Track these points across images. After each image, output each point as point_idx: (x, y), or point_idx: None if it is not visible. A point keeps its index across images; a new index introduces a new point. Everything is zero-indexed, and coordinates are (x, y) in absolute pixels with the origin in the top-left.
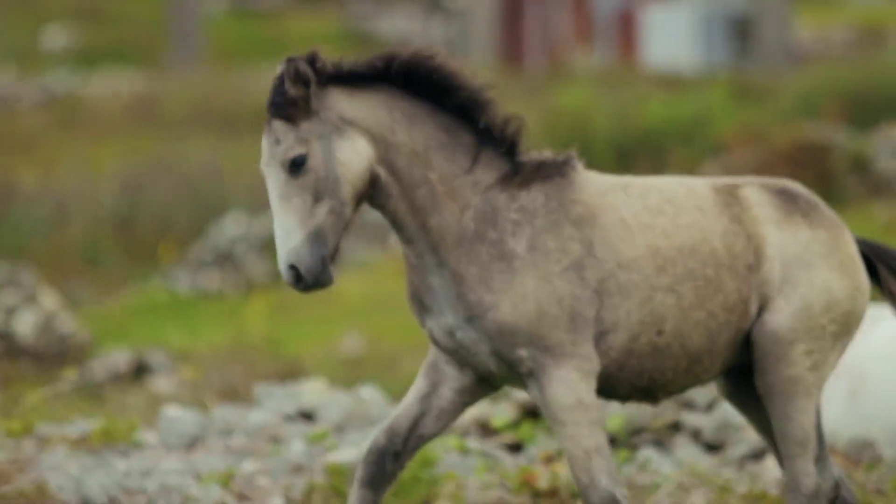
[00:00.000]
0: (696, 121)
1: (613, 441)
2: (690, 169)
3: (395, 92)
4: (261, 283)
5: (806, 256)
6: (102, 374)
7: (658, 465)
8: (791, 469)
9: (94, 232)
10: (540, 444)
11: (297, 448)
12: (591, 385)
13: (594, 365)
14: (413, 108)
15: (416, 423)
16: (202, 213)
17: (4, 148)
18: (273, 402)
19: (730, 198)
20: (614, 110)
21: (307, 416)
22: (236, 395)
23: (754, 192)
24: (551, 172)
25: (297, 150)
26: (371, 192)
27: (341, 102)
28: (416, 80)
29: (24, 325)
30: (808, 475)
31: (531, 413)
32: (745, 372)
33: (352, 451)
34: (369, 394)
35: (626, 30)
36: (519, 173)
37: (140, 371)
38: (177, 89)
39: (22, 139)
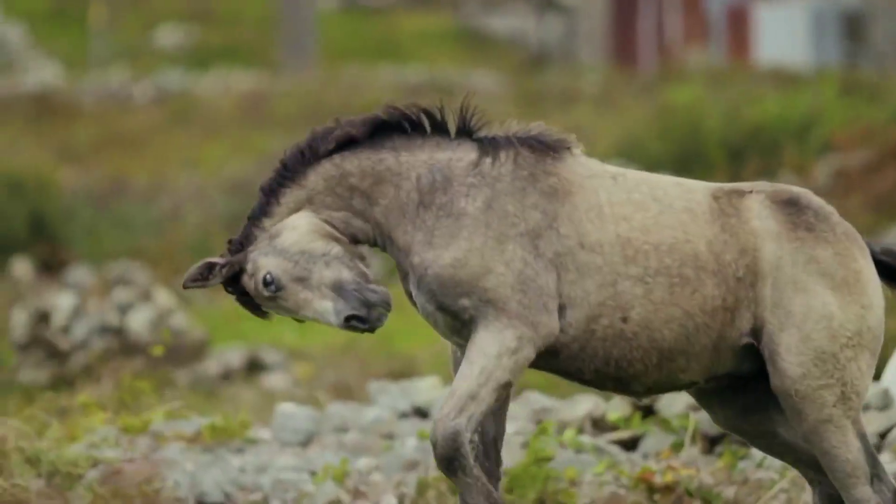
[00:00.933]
0: (807, 119)
1: (720, 439)
2: (802, 167)
3: (331, 164)
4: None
5: (803, 279)
6: (216, 372)
7: (772, 462)
8: (851, 499)
9: (205, 230)
10: (654, 440)
11: (410, 444)
12: (526, 352)
13: (538, 335)
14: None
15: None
16: None
17: (117, 146)
18: (387, 399)
19: (728, 206)
20: (726, 109)
21: (421, 412)
22: (350, 392)
23: (757, 203)
24: (538, 146)
25: (258, 276)
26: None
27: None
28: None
29: (139, 322)
30: (868, 499)
31: (645, 409)
32: (740, 403)
33: None
34: None
35: (738, 28)
36: (492, 146)
37: (253, 368)
38: (288, 88)
39: (134, 137)
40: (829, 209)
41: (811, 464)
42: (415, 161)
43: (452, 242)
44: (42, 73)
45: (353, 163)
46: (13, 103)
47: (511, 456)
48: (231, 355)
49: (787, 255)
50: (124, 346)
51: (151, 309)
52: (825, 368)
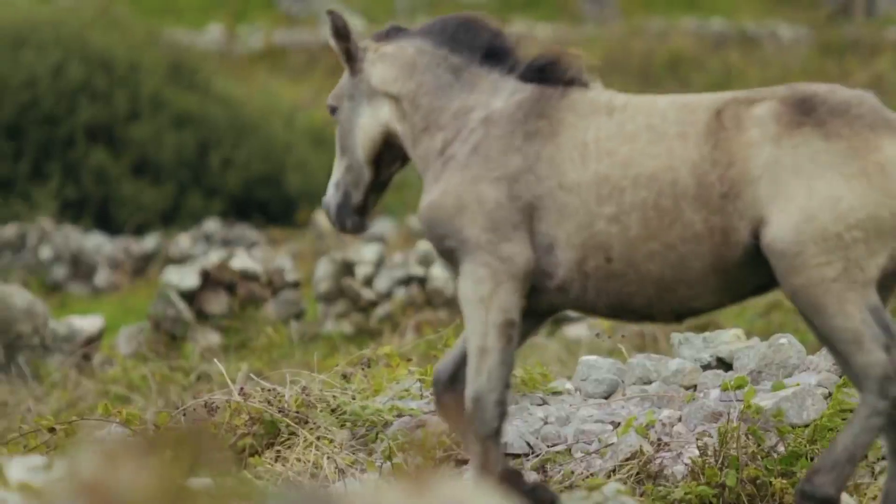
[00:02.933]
0: None
1: None
2: None
3: (422, 45)
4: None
5: (808, 167)
6: None
7: None
8: (853, 369)
9: None
10: None
11: (713, 395)
12: (506, 287)
13: (514, 268)
14: (430, 57)
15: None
16: None
17: None
18: (689, 351)
19: (730, 119)
20: None
21: (724, 363)
22: (653, 343)
23: (763, 109)
24: (551, 79)
25: (331, 102)
26: (392, 151)
27: (375, 66)
28: (448, 34)
29: (441, 273)
30: (873, 366)
31: None
32: None
33: (768, 398)
34: (786, 341)
35: None
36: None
37: (556, 319)
38: (591, 39)
39: None
40: (853, 104)
41: None
42: (462, 106)
43: (435, 185)
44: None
45: (428, 99)
46: (316, 55)
47: (815, 407)
48: None
49: (786, 152)
50: (427, 297)
51: None
52: (825, 245)
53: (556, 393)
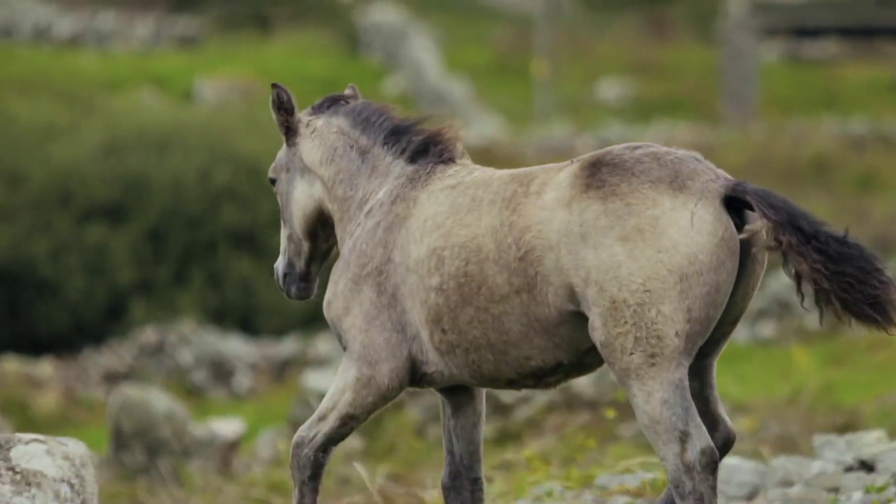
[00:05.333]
0: None
1: None
2: None
3: (343, 124)
4: (816, 332)
5: (593, 235)
6: None
7: None
8: (659, 455)
9: None
10: None
11: (856, 498)
12: (366, 392)
13: (375, 389)
14: (346, 139)
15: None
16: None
17: None
18: (832, 453)
19: (535, 186)
20: None
21: (866, 466)
22: (794, 445)
23: (565, 173)
24: (428, 159)
25: (271, 174)
26: (328, 226)
27: (306, 142)
28: (363, 116)
29: (587, 377)
30: (668, 459)
31: None
32: None
33: None
34: None
35: None
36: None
37: None
38: (732, 140)
39: None
40: (643, 160)
41: None
42: (363, 196)
43: (331, 288)
44: (485, 127)
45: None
46: None
47: None
48: None
49: (575, 219)
50: (568, 399)
51: None
52: (619, 316)
53: None
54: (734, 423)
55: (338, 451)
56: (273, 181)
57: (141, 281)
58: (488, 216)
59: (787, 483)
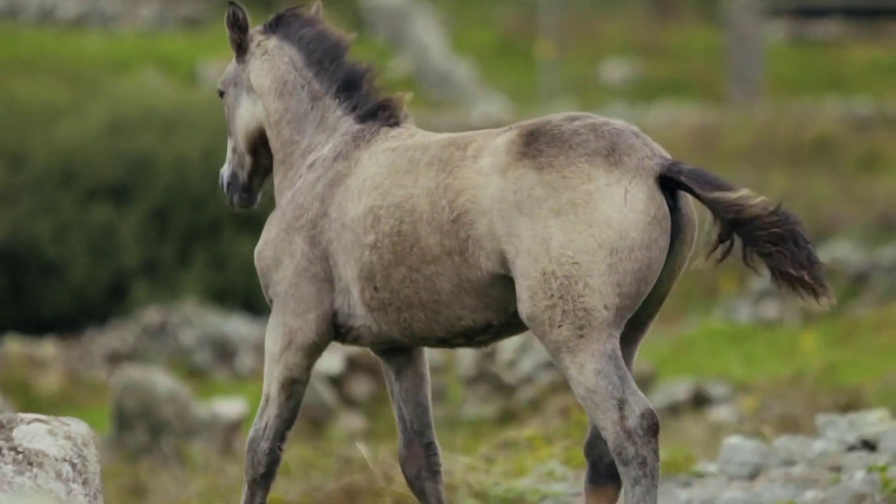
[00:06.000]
0: None
1: None
2: None
3: (296, 57)
4: (820, 313)
5: (526, 204)
6: (662, 404)
7: None
8: (598, 426)
9: None
10: None
11: (858, 477)
12: (294, 349)
13: (303, 338)
14: (298, 76)
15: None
16: None
17: None
18: (834, 432)
19: (471, 150)
20: None
21: (869, 445)
22: (797, 425)
23: (502, 139)
24: (377, 121)
25: (219, 86)
26: (268, 144)
27: (255, 62)
28: (318, 55)
29: None
30: (607, 428)
31: None
32: None
33: None
34: None
35: None
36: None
37: (699, 401)
38: (736, 121)
39: None
40: (580, 132)
41: None
42: (309, 144)
43: (263, 236)
44: (490, 107)
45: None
46: None
47: None
48: (677, 388)
49: (509, 186)
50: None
51: None
52: (548, 289)
53: (699, 475)
54: (737, 403)
55: (340, 431)
56: (221, 93)
57: (144, 261)
58: (425, 178)
59: (790, 462)
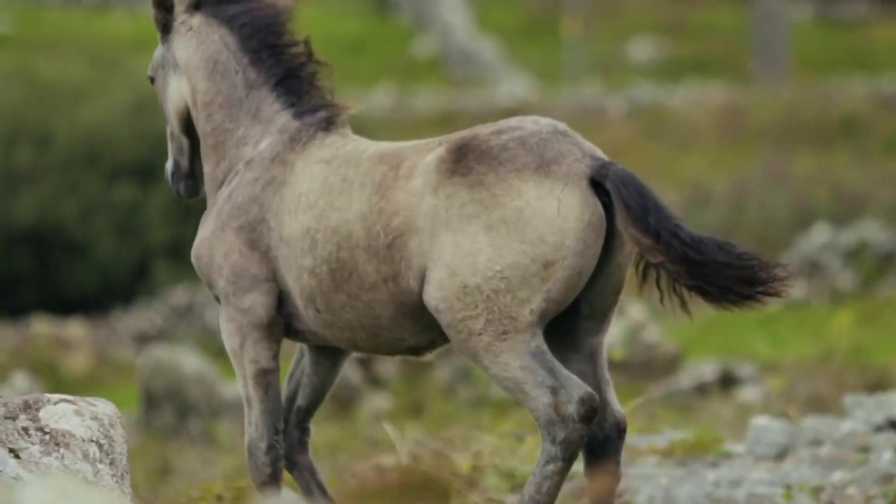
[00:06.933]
0: None
1: None
2: None
3: (227, 38)
4: (848, 293)
5: (455, 220)
6: (689, 385)
7: None
8: (526, 407)
9: None
10: None
11: (886, 458)
12: (253, 337)
13: (255, 318)
14: (231, 59)
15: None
16: (789, 224)
17: None
18: (862, 413)
19: (403, 169)
20: None
21: None
22: (824, 405)
23: (431, 156)
24: (312, 123)
25: (149, 72)
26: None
27: (181, 40)
28: (254, 43)
29: (611, 336)
30: (537, 411)
31: None
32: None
33: None
34: None
35: None
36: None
37: (727, 382)
38: (762, 100)
39: (608, 150)
40: (508, 146)
41: None
42: (243, 135)
43: (200, 232)
44: (515, 86)
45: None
46: (486, 116)
47: None
48: (704, 369)
49: (441, 203)
50: None
51: (624, 322)
52: (468, 301)
53: (727, 456)
54: (765, 384)
55: (367, 411)
56: (152, 80)
57: (170, 241)
58: (358, 201)
59: (817, 443)
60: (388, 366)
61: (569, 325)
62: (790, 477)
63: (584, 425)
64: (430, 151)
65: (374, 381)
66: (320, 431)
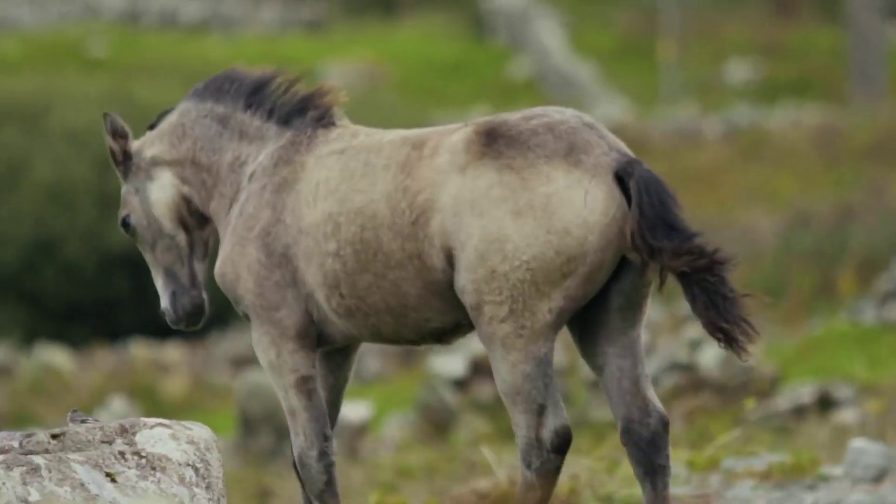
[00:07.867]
0: None
1: None
2: None
3: (184, 107)
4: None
5: (482, 203)
6: (787, 407)
7: None
8: (511, 419)
9: (782, 265)
10: None
11: None
12: (288, 347)
13: (286, 330)
14: (194, 113)
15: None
16: (889, 245)
17: (687, 181)
18: None
19: (429, 149)
20: None
21: None
22: None
23: (458, 136)
24: (303, 122)
25: (122, 214)
26: (194, 213)
27: (147, 150)
28: (211, 89)
29: (709, 357)
30: (521, 427)
31: None
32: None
33: None
34: None
35: None
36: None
37: (825, 404)
38: (860, 121)
39: (705, 171)
40: (538, 131)
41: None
42: (235, 157)
43: (221, 251)
44: (611, 109)
45: (206, 156)
46: None
47: None
48: (802, 391)
49: (468, 184)
50: (694, 382)
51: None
52: (494, 287)
53: (824, 479)
54: (862, 406)
55: (465, 436)
56: (125, 222)
57: None
58: (383, 181)
59: None
60: (487, 388)
61: (604, 320)
62: (888, 499)
63: (557, 456)
64: (455, 132)
65: (472, 404)
66: (416, 454)
